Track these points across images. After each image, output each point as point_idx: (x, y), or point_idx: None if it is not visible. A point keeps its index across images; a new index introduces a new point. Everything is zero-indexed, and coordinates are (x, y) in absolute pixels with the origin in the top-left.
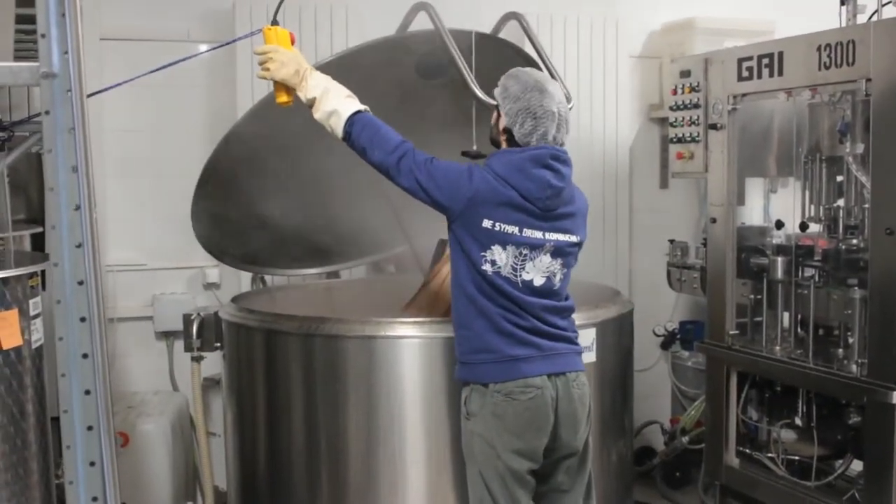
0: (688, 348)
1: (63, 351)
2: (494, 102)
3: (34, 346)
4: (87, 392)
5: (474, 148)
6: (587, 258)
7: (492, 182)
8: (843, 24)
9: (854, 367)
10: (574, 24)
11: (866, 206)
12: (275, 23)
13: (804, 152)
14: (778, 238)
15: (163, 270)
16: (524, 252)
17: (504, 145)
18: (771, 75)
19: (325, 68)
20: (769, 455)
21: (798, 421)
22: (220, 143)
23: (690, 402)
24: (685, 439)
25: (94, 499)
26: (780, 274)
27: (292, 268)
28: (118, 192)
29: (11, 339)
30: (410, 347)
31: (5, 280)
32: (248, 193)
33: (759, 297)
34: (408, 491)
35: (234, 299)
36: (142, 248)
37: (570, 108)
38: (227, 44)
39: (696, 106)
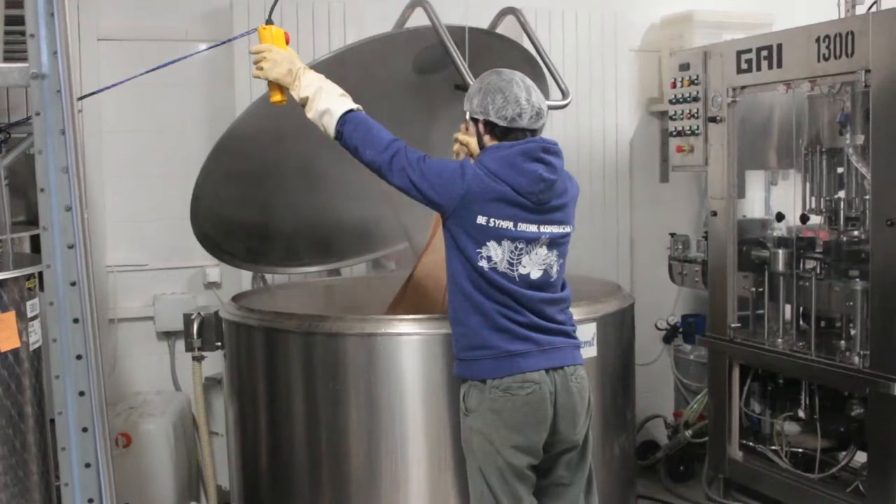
0: (690, 342)
1: (57, 352)
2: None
3: (32, 348)
4: (82, 393)
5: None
6: (588, 252)
7: (484, 178)
8: (842, 16)
9: (856, 359)
10: (572, 19)
11: (867, 197)
12: (269, 22)
13: (804, 144)
14: (779, 230)
15: (163, 270)
16: (520, 246)
17: (492, 140)
18: (770, 67)
19: (322, 65)
20: (772, 448)
21: (801, 413)
22: (219, 142)
23: (693, 396)
24: (688, 433)
25: (90, 501)
26: (781, 266)
27: (293, 266)
28: (118, 192)
29: (9, 342)
30: (410, 344)
31: (2, 282)
32: (247, 192)
33: (760, 289)
34: (409, 486)
35: (234, 298)
36: (142, 249)
37: (569, 103)
38: (222, 43)
39: (696, 99)
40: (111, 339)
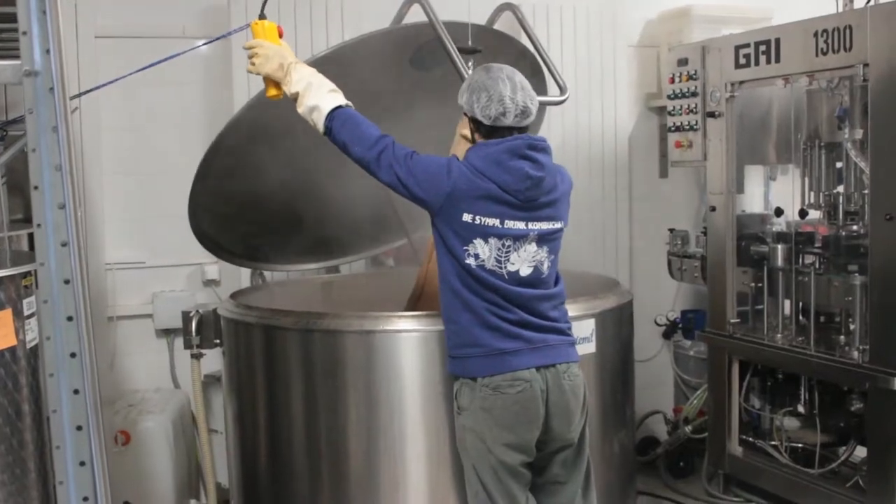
0: (689, 337)
1: (51, 350)
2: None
3: (29, 346)
4: (76, 391)
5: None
6: (587, 248)
7: (469, 176)
8: (840, 10)
9: (856, 354)
10: (570, 14)
11: (866, 191)
12: (262, 17)
13: (803, 139)
14: (778, 225)
15: (162, 268)
16: (507, 244)
17: (480, 138)
18: (768, 62)
19: (319, 62)
20: (772, 443)
21: (801, 408)
22: (217, 139)
23: (693, 392)
24: (688, 429)
25: (85, 499)
26: (780, 261)
27: (291, 263)
28: (116, 190)
29: (5, 340)
30: (409, 341)
31: None
32: (245, 189)
33: (759, 285)
34: (408, 483)
35: (233, 296)
36: (141, 246)
37: (566, 99)
38: (215, 40)
39: (694, 94)
40: (110, 336)
